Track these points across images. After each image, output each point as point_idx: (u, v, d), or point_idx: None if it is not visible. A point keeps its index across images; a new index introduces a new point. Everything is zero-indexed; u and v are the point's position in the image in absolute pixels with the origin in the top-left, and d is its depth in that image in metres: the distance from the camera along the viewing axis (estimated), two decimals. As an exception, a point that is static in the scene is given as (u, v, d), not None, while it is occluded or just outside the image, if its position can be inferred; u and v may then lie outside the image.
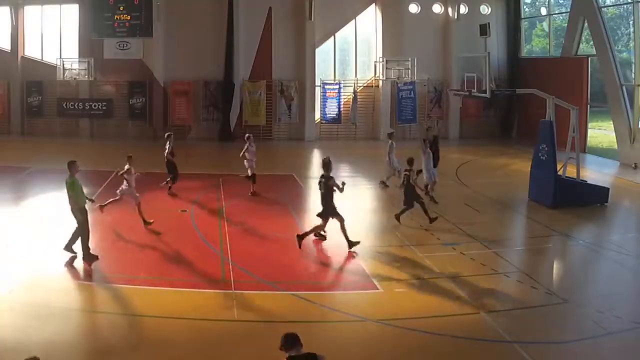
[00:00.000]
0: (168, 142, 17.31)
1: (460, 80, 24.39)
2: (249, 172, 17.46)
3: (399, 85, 28.61)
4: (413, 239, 13.15)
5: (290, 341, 5.54)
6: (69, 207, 11.52)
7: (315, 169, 23.98)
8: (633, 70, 22.96)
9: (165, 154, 17.27)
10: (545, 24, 30.02)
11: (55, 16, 28.43)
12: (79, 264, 11.33)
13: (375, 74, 29.27)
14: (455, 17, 29.22)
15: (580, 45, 26.20)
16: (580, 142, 18.62)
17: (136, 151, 22.87)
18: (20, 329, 8.48)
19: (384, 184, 18.40)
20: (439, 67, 29.44)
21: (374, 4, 29.26)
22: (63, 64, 27.35)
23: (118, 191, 14.30)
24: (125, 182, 14.11)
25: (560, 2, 29.24)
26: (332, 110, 28.91)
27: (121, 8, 27.77)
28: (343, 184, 12.35)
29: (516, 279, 10.92)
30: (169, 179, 17.25)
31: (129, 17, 27.84)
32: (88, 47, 27.68)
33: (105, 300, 9.68)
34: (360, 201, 17.17)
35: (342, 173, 20.52)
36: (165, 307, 9.43)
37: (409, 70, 27.99)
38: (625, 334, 8.74)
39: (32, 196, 16.95)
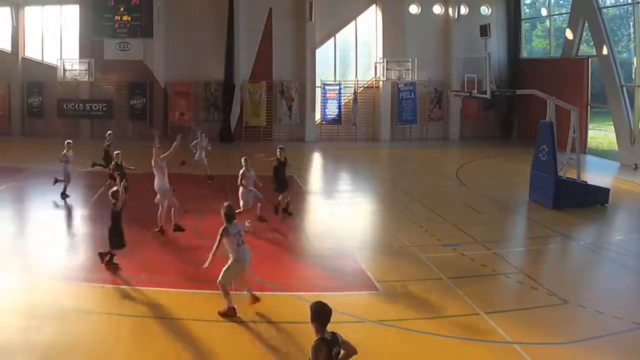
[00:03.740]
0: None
1: (460, 80, 24.42)
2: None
3: (399, 86, 28.62)
4: (413, 240, 13.15)
5: (324, 317, 5.40)
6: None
7: (316, 170, 24.03)
8: (633, 71, 22.96)
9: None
10: (545, 25, 30.02)
11: (55, 17, 28.47)
12: (78, 264, 11.36)
13: (375, 74, 29.28)
14: (456, 17, 29.26)
15: (581, 46, 26.22)
16: (581, 143, 18.62)
17: (136, 152, 22.93)
18: (20, 329, 8.48)
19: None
20: (440, 67, 29.47)
21: (374, 5, 29.28)
22: (63, 65, 27.40)
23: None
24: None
25: (561, 2, 29.25)
26: (332, 111, 28.94)
27: (121, 9, 27.81)
28: None
29: (516, 279, 10.93)
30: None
31: (129, 18, 27.87)
32: (88, 47, 27.72)
33: (105, 300, 9.67)
34: (360, 201, 17.19)
35: (343, 174, 20.57)
36: (166, 308, 9.42)
37: (409, 71, 28.03)
38: (626, 334, 8.74)
39: (32, 196, 16.96)
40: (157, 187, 13.36)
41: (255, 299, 9.36)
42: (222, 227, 9.07)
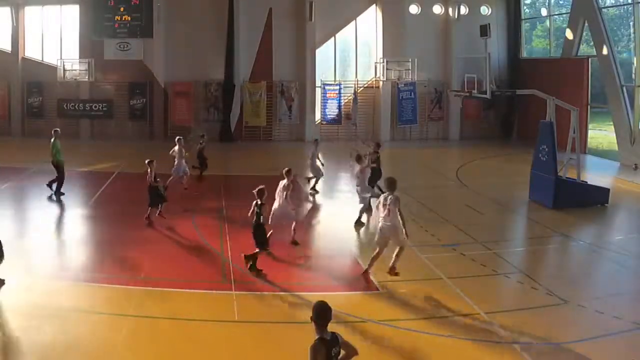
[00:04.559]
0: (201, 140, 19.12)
1: (460, 80, 24.42)
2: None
3: (399, 86, 28.63)
4: (413, 240, 13.11)
5: (325, 316, 5.38)
6: None
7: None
8: (633, 71, 22.96)
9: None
10: (545, 25, 30.02)
11: (55, 17, 28.46)
12: (78, 264, 11.36)
13: (375, 74, 29.29)
14: (456, 17, 29.27)
15: (581, 46, 26.22)
16: (581, 143, 18.62)
17: (137, 152, 22.94)
18: (20, 330, 8.48)
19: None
20: (440, 67, 29.49)
21: (374, 5, 29.29)
22: (63, 65, 27.40)
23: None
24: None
25: (561, 2, 29.26)
26: (332, 111, 28.94)
27: (121, 9, 27.81)
28: None
29: (516, 279, 10.93)
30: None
31: (129, 18, 27.87)
32: (88, 47, 27.71)
33: (105, 300, 9.67)
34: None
35: (342, 174, 20.54)
36: (166, 308, 9.42)
37: (409, 71, 28.04)
38: (626, 334, 8.74)
39: (32, 196, 16.96)
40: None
41: (393, 271, 10.38)
42: (394, 197, 10.33)
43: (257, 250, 11.02)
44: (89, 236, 13.72)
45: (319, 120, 29.11)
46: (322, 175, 18.02)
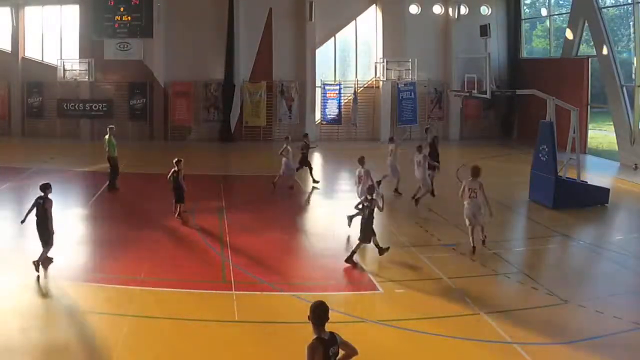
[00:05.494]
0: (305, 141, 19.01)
1: (460, 80, 24.41)
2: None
3: (399, 86, 28.62)
4: (413, 240, 13.15)
5: (322, 316, 5.40)
6: None
7: (315, 170, 23.98)
8: (633, 71, 22.95)
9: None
10: (545, 25, 30.02)
11: (55, 17, 28.43)
12: (78, 264, 11.37)
13: (375, 74, 29.28)
14: (456, 17, 29.26)
15: (581, 46, 26.21)
16: (581, 143, 18.62)
17: (137, 152, 22.94)
18: (20, 329, 8.48)
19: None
20: (440, 67, 29.48)
21: (374, 5, 29.28)
22: (63, 65, 27.35)
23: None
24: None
25: (561, 2, 29.26)
26: (332, 111, 28.93)
27: (121, 9, 27.76)
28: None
29: (517, 279, 10.93)
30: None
31: (129, 18, 27.83)
32: (88, 47, 27.66)
33: (106, 300, 9.68)
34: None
35: (343, 174, 20.56)
36: (166, 308, 9.43)
37: (409, 71, 28.02)
38: (625, 334, 8.74)
39: (32, 196, 16.93)
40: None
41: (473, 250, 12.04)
42: (479, 182, 12.18)
43: (362, 244, 11.61)
44: (88, 236, 13.71)
45: (319, 120, 29.11)
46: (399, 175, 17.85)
